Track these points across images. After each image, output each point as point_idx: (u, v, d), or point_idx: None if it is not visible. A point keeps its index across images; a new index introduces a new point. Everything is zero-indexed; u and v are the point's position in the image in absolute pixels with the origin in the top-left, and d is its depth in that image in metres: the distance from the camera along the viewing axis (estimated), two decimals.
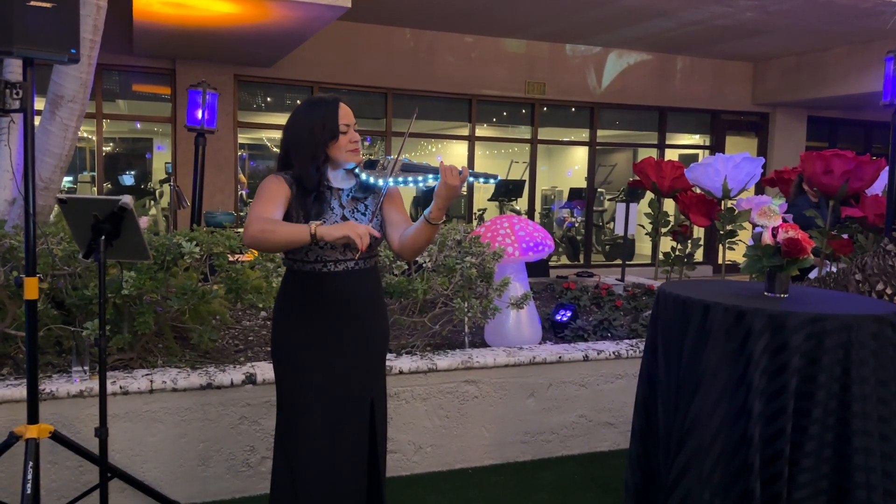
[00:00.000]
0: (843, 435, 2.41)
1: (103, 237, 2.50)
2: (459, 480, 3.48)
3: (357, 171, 2.34)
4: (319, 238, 2.08)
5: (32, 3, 2.43)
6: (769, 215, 2.68)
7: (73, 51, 2.57)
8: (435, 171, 2.22)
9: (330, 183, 2.33)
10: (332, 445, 2.29)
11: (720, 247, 5.31)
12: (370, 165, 2.31)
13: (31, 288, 2.54)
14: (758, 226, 2.74)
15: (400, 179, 2.27)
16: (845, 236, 5.38)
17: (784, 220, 2.75)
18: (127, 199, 2.49)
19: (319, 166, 2.28)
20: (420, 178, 2.25)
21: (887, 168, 4.87)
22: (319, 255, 2.28)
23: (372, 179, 2.31)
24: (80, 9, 2.74)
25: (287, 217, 2.26)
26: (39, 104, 4.29)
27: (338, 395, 2.31)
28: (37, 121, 4.04)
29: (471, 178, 2.18)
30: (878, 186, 5.17)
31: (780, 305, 2.51)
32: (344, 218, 2.30)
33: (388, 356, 3.58)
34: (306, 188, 2.27)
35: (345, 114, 2.30)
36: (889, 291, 4.42)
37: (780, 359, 2.40)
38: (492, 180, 2.24)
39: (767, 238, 2.66)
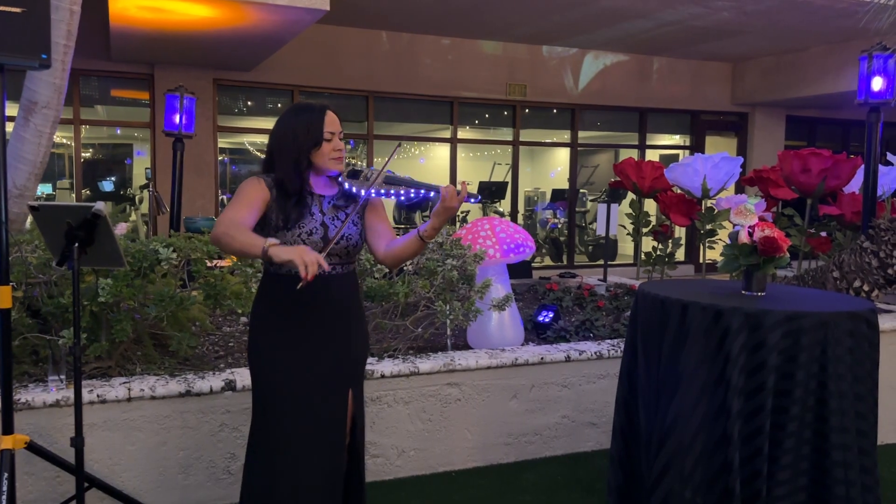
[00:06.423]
0: (821, 432, 2.43)
1: (77, 245, 2.47)
2: (443, 484, 3.47)
3: (340, 179, 2.35)
4: (269, 256, 2.02)
5: (1, 9, 2.40)
6: (746, 214, 2.70)
7: (44, 56, 2.53)
8: (417, 185, 2.25)
9: (312, 189, 2.33)
10: (310, 452, 2.27)
11: (700, 246, 5.35)
12: (354, 175, 2.34)
13: (4, 297, 2.51)
14: (735, 224, 2.76)
15: (382, 192, 2.29)
16: (823, 234, 5.44)
17: (761, 219, 2.77)
18: (100, 206, 2.46)
19: (302, 172, 2.29)
20: (402, 191, 2.26)
21: (863, 166, 4.93)
22: None
23: (353, 189, 2.33)
24: (53, 13, 2.71)
25: (266, 220, 2.26)
26: (12, 110, 4.24)
27: (316, 401, 2.29)
28: (10, 127, 4.00)
29: (469, 199, 2.19)
30: (855, 184, 5.23)
31: (757, 304, 2.53)
32: (323, 224, 2.30)
33: (370, 360, 3.56)
34: (287, 192, 2.27)
35: (331, 121, 2.30)
36: (866, 288, 4.46)
37: (757, 357, 2.42)
38: (472, 200, 2.24)
39: (744, 237, 2.67)
